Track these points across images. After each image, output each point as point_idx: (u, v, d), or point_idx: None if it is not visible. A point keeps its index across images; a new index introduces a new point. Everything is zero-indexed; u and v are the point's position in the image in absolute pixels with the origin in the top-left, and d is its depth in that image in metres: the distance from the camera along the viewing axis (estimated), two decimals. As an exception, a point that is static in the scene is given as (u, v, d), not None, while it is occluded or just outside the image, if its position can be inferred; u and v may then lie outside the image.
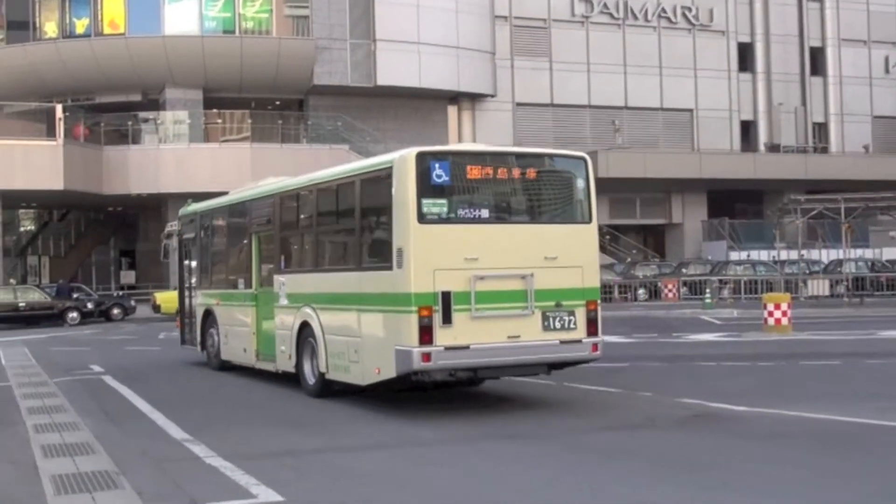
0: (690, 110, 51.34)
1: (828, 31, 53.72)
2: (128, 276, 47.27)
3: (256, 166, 37.81)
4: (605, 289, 36.48)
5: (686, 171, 47.46)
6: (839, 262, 36.43)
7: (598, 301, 11.23)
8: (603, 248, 46.60)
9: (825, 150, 53.22)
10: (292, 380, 13.29)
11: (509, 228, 11.01)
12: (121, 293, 39.62)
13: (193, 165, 39.23)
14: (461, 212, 10.68)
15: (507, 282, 10.67)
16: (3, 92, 42.36)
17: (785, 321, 21.22)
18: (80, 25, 41.20)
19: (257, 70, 41.41)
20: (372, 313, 11.02)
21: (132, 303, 34.88)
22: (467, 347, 10.41)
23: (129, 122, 40.76)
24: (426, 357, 10.22)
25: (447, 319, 10.29)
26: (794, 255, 38.54)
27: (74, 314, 32.09)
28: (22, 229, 51.88)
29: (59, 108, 37.87)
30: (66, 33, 41.52)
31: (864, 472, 7.74)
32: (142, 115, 41.93)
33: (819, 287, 35.44)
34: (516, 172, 11.09)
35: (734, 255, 44.01)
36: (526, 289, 10.70)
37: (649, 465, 8.03)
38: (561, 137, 49.06)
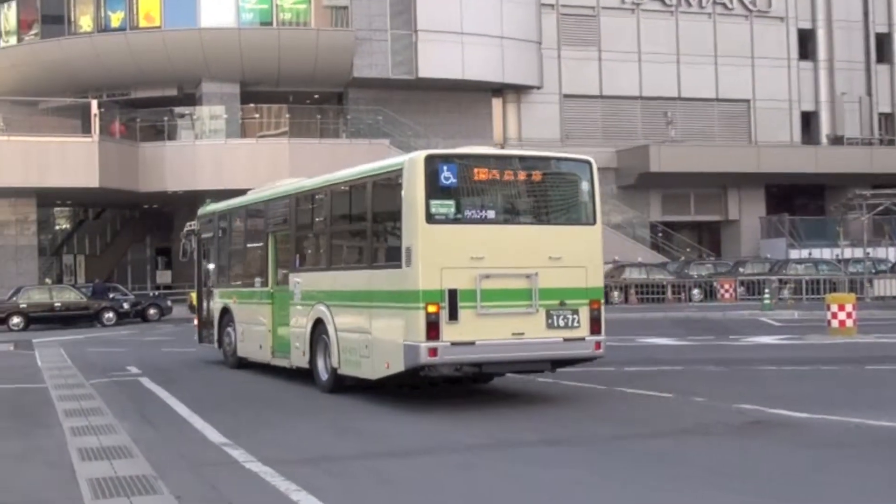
0: (747, 101, 50.84)
1: (895, 15, 52.91)
2: (164, 276, 47.79)
3: (295, 162, 38.10)
4: (658, 289, 36.33)
5: (743, 166, 47.03)
6: (906, 261, 35.91)
7: (602, 300, 11.99)
8: (655, 247, 46.40)
9: (892, 142, 52.45)
10: (307, 376, 13.97)
11: (514, 229, 11.75)
12: (157, 293, 40.14)
13: (230, 162, 39.60)
14: (468, 212, 11.46)
15: (512, 280, 11.40)
16: (37, 87, 43.05)
17: (849, 323, 20.96)
18: (116, 19, 41.73)
19: (295, 63, 41.68)
20: (382, 310, 11.81)
21: (168, 303, 35.29)
22: (473, 343, 11.17)
23: (165, 118, 41.22)
24: (433, 352, 10.98)
25: (453, 316, 11.05)
26: (858, 253, 38.08)
27: (110, 314, 32.53)
28: (57, 228, 52.66)
29: (94, 103, 38.39)
30: (101, 27, 42.07)
31: (931, 481, 7.64)
32: (178, 110, 42.40)
33: (886, 287, 34.96)
34: (522, 175, 11.87)
35: (794, 254, 43.55)
36: (530, 287, 11.43)
37: (703, 473, 8.00)
38: (610, 131, 48.86)
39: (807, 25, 51.90)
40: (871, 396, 12.33)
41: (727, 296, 36.08)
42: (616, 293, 36.34)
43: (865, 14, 52.44)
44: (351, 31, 42.24)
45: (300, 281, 14.30)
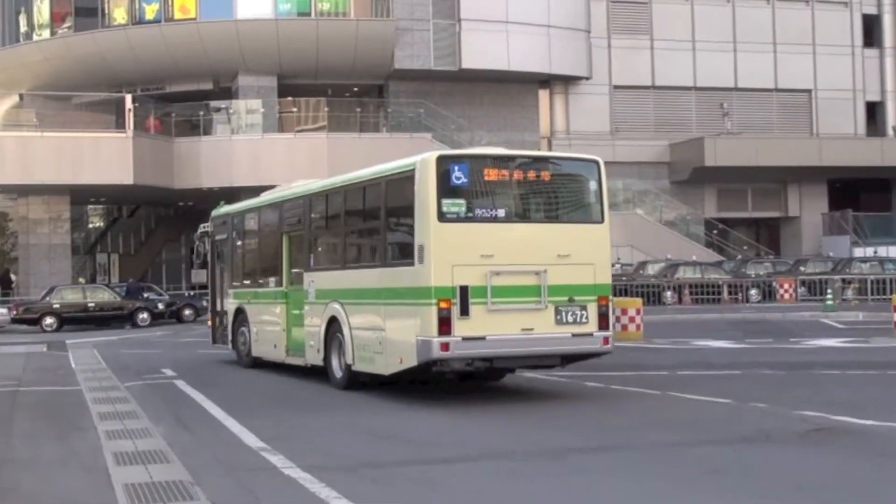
0: (808, 91, 50.30)
1: (964, 0, 52.14)
2: (199, 275, 48.12)
3: (333, 157, 38.28)
4: (714, 289, 36.05)
5: (804, 159, 46.55)
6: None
7: (610, 297, 12.72)
8: (711, 245, 46.07)
9: (962, 133, 51.68)
10: (322, 374, 14.76)
11: (524, 227, 12.55)
12: (192, 293, 40.48)
13: (267, 157, 39.86)
14: (478, 211, 12.23)
15: (522, 277, 12.18)
16: (71, 82, 43.60)
17: (917, 325, 20.69)
18: (150, 11, 42.13)
19: (334, 55, 41.84)
20: (395, 306, 12.61)
21: (204, 303, 35.50)
22: (483, 338, 11.95)
23: (201, 112, 41.57)
24: (445, 347, 11.75)
25: (465, 312, 11.82)
26: (926, 250, 37.49)
27: (145, 315, 32.88)
28: (91, 226, 53.27)
29: (128, 98, 38.83)
30: (136, 19, 42.50)
31: None
32: (213, 104, 42.72)
33: (955, 286, 34.39)
34: (531, 174, 12.69)
35: (859, 252, 43.03)
36: (539, 284, 12.19)
37: (766, 483, 7.92)
38: (663, 123, 48.58)
39: (872, 10, 51.25)
40: (942, 402, 12.14)
41: (787, 296, 35.72)
42: (669, 293, 36.11)
43: (934, -2, 51.70)
44: (392, 21, 42.32)
45: (314, 280, 15.04)
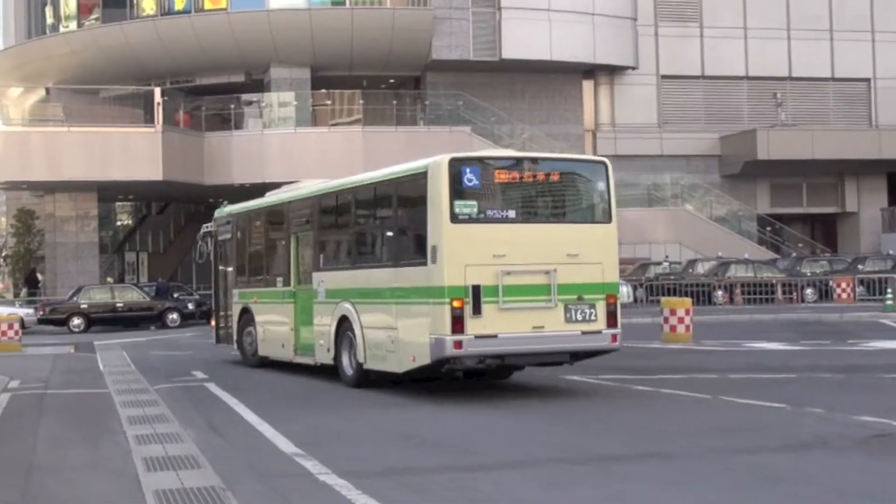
0: (867, 80, 49.77)
1: None
2: (230, 275, 48.42)
3: (369, 152, 38.37)
4: (767, 288, 35.76)
5: (862, 152, 46.08)
6: None
7: (618, 295, 13.55)
8: (763, 242, 45.73)
9: None
10: (331, 372, 15.51)
11: (534, 227, 13.31)
12: (223, 293, 40.69)
13: (300, 152, 40.01)
14: (490, 212, 13.00)
15: (532, 276, 12.92)
16: (98, 75, 43.98)
17: (983, 326, 20.41)
18: (180, 1, 42.39)
19: (369, 45, 41.91)
20: (408, 305, 13.35)
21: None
22: (495, 336, 12.69)
23: (232, 106, 41.79)
24: (458, 345, 12.49)
25: (477, 310, 12.55)
26: None
27: (174, 315, 33.15)
28: (119, 223, 53.78)
29: (157, 91, 39.08)
30: (165, 10, 42.79)
31: None
32: (245, 97, 42.94)
33: None
34: (541, 176, 13.52)
35: (920, 249, 42.53)
36: (549, 283, 12.93)
37: (825, 493, 7.85)
38: (713, 114, 48.27)
39: (934, -5, 50.59)
40: None
41: (844, 296, 35.35)
42: (720, 293, 35.86)
43: None
44: (429, 10, 42.32)
45: (324, 280, 15.78)
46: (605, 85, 47.30)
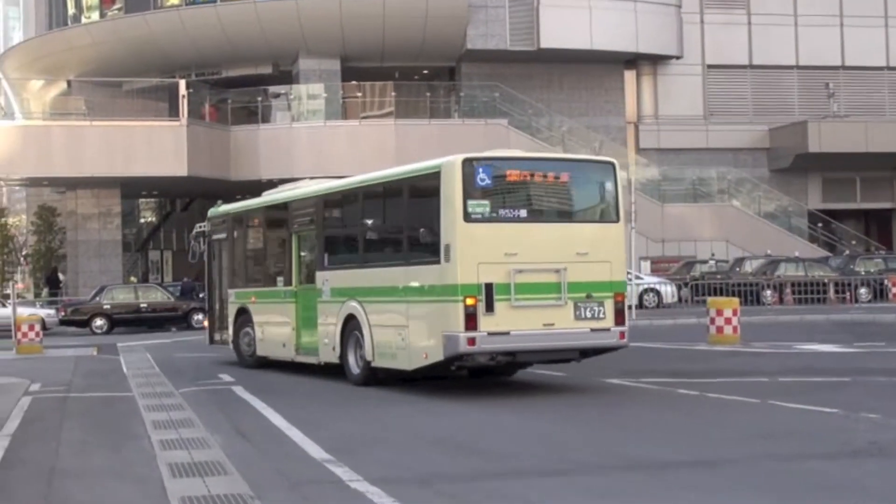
0: (924, 69, 49.33)
1: None
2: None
3: (401, 145, 38.45)
4: (818, 287, 35.51)
5: (920, 144, 45.66)
6: None
7: (625, 293, 14.39)
8: (814, 239, 45.38)
9: None
10: (335, 371, 16.13)
11: (545, 226, 14.06)
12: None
13: (330, 146, 40.13)
14: (502, 211, 13.70)
15: (543, 275, 13.61)
16: (121, 67, 44.28)
17: None
18: (204, -10, 42.63)
19: (402, 35, 41.96)
20: (420, 303, 13.99)
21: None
22: (508, 333, 13.37)
23: (259, 99, 41.98)
24: (471, 341, 13.13)
25: (490, 308, 13.21)
26: None
27: (200, 316, 33.19)
28: (143, 221, 54.14)
29: (182, 84, 39.31)
30: (190, 0, 43.02)
31: None
32: (272, 89, 43.12)
33: None
34: (551, 176, 14.22)
35: (981, 246, 42.09)
36: (559, 281, 13.64)
37: (879, 501, 7.78)
38: (761, 106, 47.99)
39: None
40: None
41: (901, 296, 35.08)
42: (768, 292, 35.64)
43: None
44: (464, -3, 42.30)
45: (329, 279, 16.39)
46: (648, 75, 47.12)
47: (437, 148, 37.45)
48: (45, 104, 46.96)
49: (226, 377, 17.54)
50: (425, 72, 45.48)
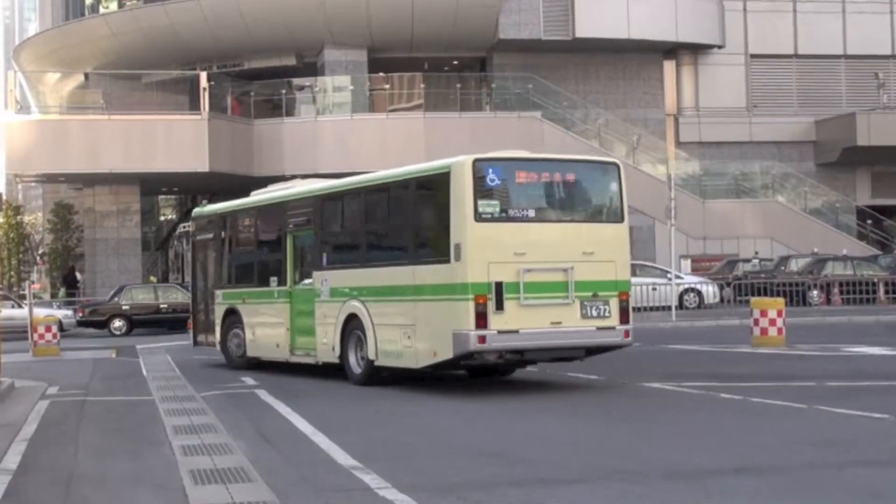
0: (979, 58, 48.93)
1: None
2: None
3: (431, 139, 38.49)
4: (868, 287, 35.27)
5: (975, 137, 45.29)
6: None
7: (630, 292, 15.08)
8: (864, 236, 45.08)
9: None
10: (334, 370, 16.82)
11: (552, 226, 14.82)
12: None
13: (356, 140, 40.22)
14: (511, 211, 14.42)
15: (551, 274, 14.35)
16: (140, 59, 44.55)
17: None
18: (226, -21, 42.77)
19: (431, 24, 41.98)
20: (428, 302, 14.58)
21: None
22: (517, 332, 14.06)
23: (283, 91, 42.12)
24: (482, 339, 13.80)
25: (500, 306, 13.89)
26: None
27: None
28: (162, 218, 54.43)
29: (203, 76, 39.52)
30: (211, -12, 43.18)
31: None
32: (296, 82, 43.25)
33: None
34: (557, 177, 14.89)
35: None
36: (567, 280, 14.39)
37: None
38: (807, 97, 47.75)
39: None
40: None
41: (955, 296, 34.77)
42: (815, 292, 35.42)
43: None
44: (495, -16, 42.29)
45: (328, 279, 16.93)
46: (689, 65, 46.97)
47: (469, 141, 37.57)
48: (61, 98, 47.27)
49: (249, 380, 17.61)
50: (455, 62, 45.50)
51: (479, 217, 14.01)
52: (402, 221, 15.79)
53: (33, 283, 43.06)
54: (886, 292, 35.62)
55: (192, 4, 43.21)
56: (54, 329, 25.12)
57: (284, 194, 19.10)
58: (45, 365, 22.02)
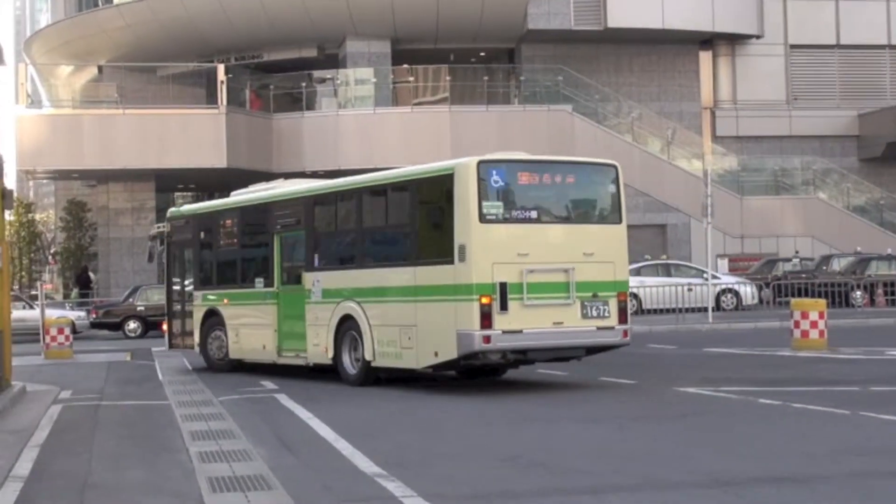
0: None
1: None
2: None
3: (457, 134, 38.50)
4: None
5: None
6: None
7: (628, 292, 15.90)
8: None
9: None
10: (326, 372, 17.37)
11: (554, 227, 15.62)
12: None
13: (380, 135, 40.24)
14: (514, 212, 15.08)
15: (553, 275, 15.04)
16: (155, 51, 44.68)
17: None
18: (245, -33, 42.83)
19: (457, 14, 41.94)
20: (430, 303, 15.14)
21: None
22: (521, 332, 14.71)
23: (303, 84, 42.17)
24: (487, 339, 14.43)
25: (504, 307, 14.54)
26: None
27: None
28: (178, 216, 54.52)
29: (220, 68, 39.59)
30: (228, -23, 43.27)
31: None
32: (317, 74, 43.32)
33: None
34: (558, 178, 15.62)
35: None
36: (568, 281, 15.09)
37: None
38: (850, 89, 47.52)
39: None
40: None
41: None
42: (858, 293, 35.25)
43: None
44: (524, -27, 42.25)
45: (320, 279, 17.38)
46: (726, 56, 46.80)
47: (497, 136, 37.55)
48: (74, 91, 47.46)
49: (268, 384, 17.65)
50: (482, 54, 45.47)
51: (483, 218, 14.60)
52: (402, 222, 16.35)
53: (45, 283, 43.31)
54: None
55: (210, -6, 43.29)
56: (67, 331, 25.22)
57: (272, 194, 19.44)
58: (57, 368, 22.13)
